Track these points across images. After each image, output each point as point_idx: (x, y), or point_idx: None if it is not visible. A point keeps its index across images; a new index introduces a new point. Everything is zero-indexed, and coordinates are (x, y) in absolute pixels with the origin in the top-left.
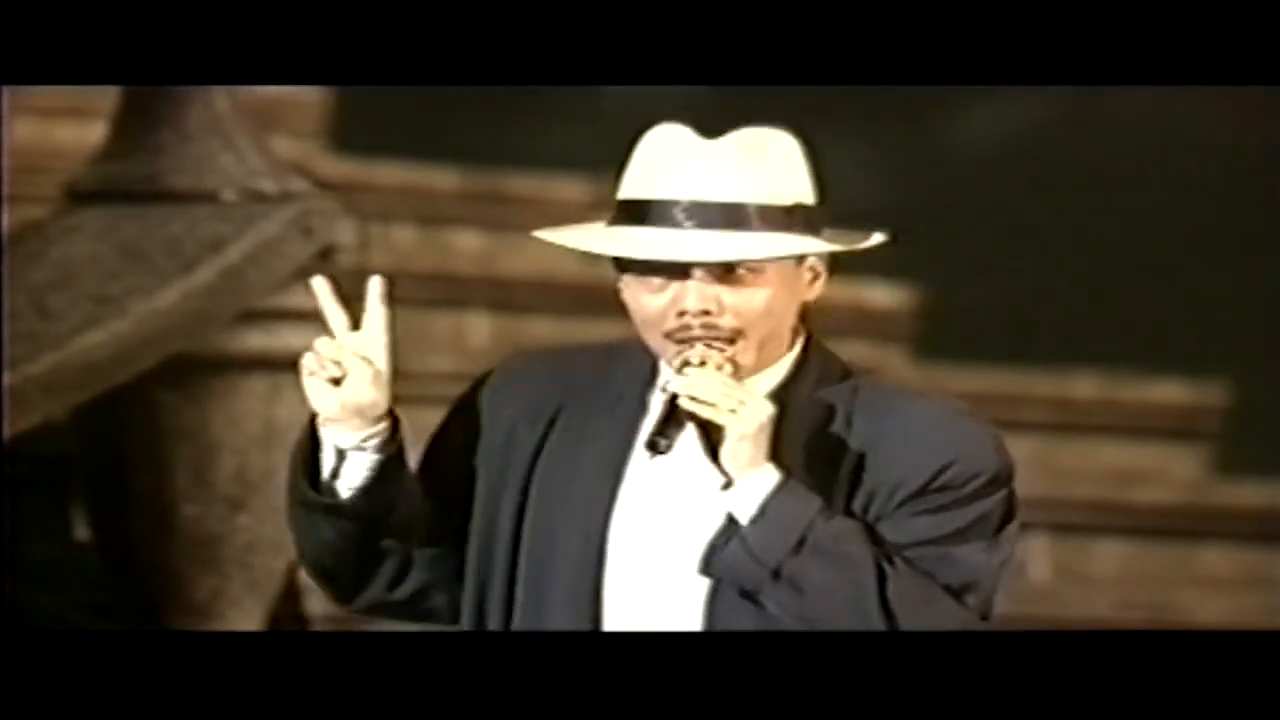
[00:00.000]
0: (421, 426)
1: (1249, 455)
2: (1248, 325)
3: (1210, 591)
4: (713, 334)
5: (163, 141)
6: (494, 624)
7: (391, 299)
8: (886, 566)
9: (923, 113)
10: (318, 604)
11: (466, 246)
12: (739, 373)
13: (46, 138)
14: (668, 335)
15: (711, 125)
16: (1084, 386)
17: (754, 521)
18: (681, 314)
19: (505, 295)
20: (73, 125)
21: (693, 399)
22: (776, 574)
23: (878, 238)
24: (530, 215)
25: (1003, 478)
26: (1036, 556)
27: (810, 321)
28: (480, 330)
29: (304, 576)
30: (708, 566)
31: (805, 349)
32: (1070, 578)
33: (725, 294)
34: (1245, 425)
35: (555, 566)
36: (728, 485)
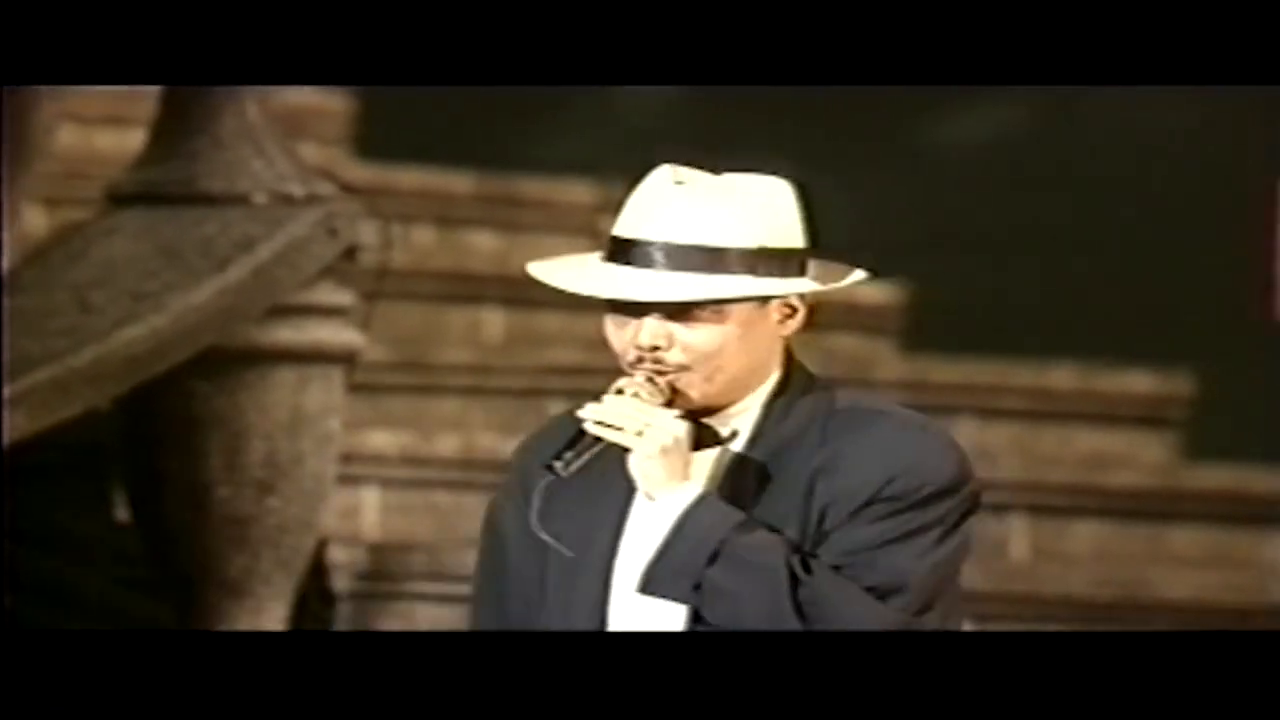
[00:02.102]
0: (440, 415)
1: (1214, 441)
2: (1212, 320)
3: (1179, 569)
4: (657, 368)
5: (198, 148)
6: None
7: (411, 295)
8: (801, 573)
9: (912, 123)
10: (344, 581)
11: (481, 246)
12: (678, 400)
13: (88, 144)
14: (630, 366)
15: (711, 137)
16: (1061, 377)
17: (672, 536)
18: (638, 347)
19: (518, 292)
20: (113, 133)
21: (599, 423)
22: (697, 586)
23: (856, 276)
24: (540, 216)
25: (951, 489)
26: (1016, 536)
27: (797, 339)
28: (494, 325)
29: (331, 554)
30: (644, 586)
31: (785, 379)
32: (1048, 556)
33: (679, 331)
34: (1210, 413)
35: (574, 601)
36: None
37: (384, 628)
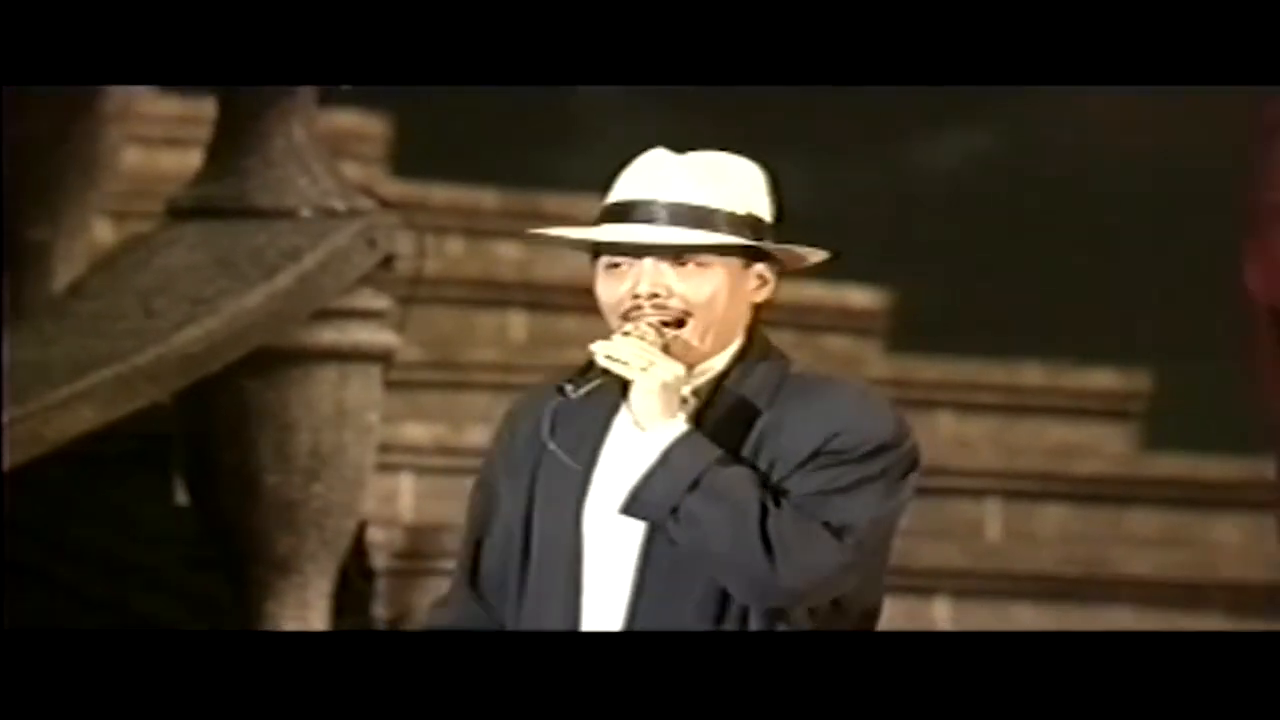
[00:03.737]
0: (469, 408)
1: (1170, 432)
2: (1169, 322)
3: (1138, 549)
4: (660, 315)
5: (250, 167)
6: (511, 593)
7: (442, 300)
8: (770, 506)
9: (895, 142)
10: (382, 559)
11: (507, 255)
12: (672, 348)
13: (151, 164)
14: (624, 316)
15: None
16: (1031, 375)
17: (658, 465)
18: (636, 296)
19: (540, 297)
20: (173, 153)
21: (609, 357)
22: (675, 510)
23: (819, 255)
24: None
25: (890, 444)
26: (991, 519)
27: (761, 318)
28: (519, 327)
29: (371, 535)
30: (627, 506)
31: (749, 341)
32: (1019, 537)
33: (675, 282)
34: (1167, 407)
35: (554, 530)
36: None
37: (418, 601)
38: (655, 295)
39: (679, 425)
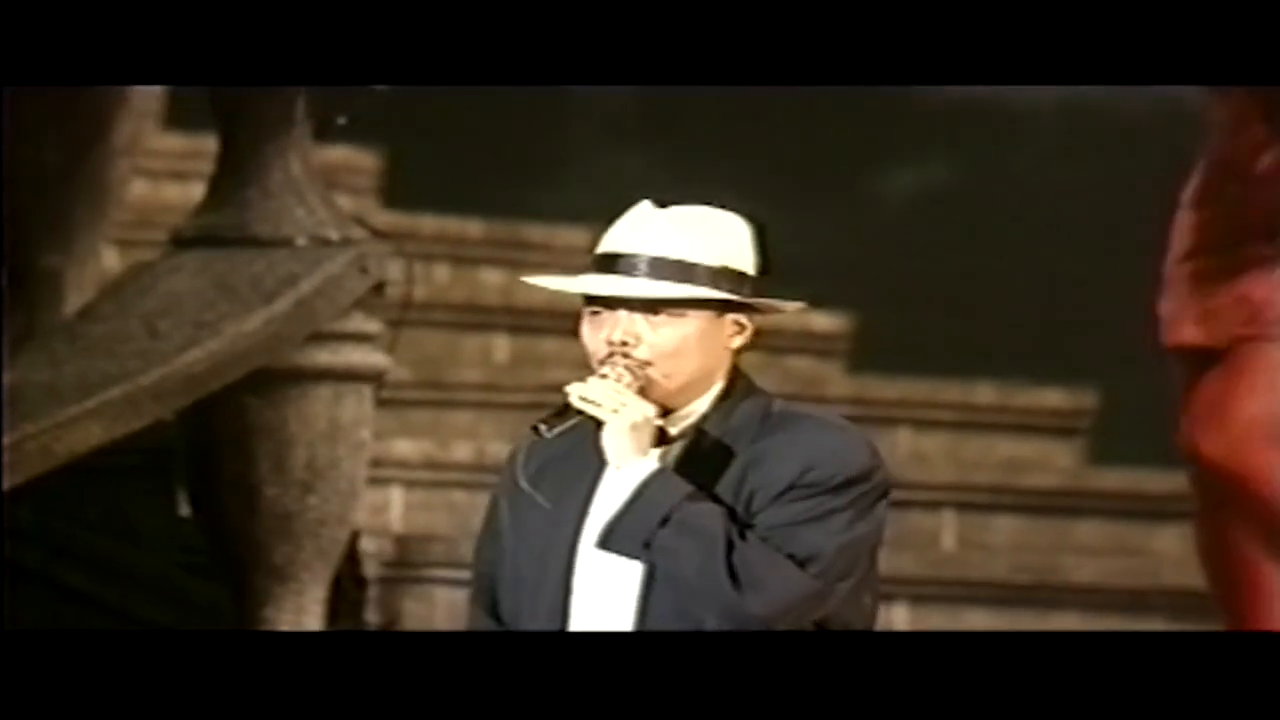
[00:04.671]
0: (455, 426)
1: (1115, 448)
2: (1113, 345)
3: (1084, 557)
4: (626, 362)
5: (249, 198)
6: (507, 607)
7: (430, 323)
8: (736, 540)
9: (857, 177)
10: (373, 568)
11: (491, 282)
12: (646, 391)
13: (156, 196)
14: (600, 362)
15: (687, 192)
16: (983, 393)
17: (630, 501)
18: (610, 343)
19: (522, 321)
20: (177, 186)
21: (582, 398)
22: (648, 544)
23: (793, 306)
24: (542, 257)
25: (861, 477)
26: (946, 529)
27: (744, 358)
28: (502, 349)
29: (363, 544)
30: (603, 541)
31: (730, 384)
32: (973, 546)
33: (645, 331)
34: (1111, 424)
35: (549, 550)
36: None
37: (407, 608)
38: (625, 343)
39: (650, 463)
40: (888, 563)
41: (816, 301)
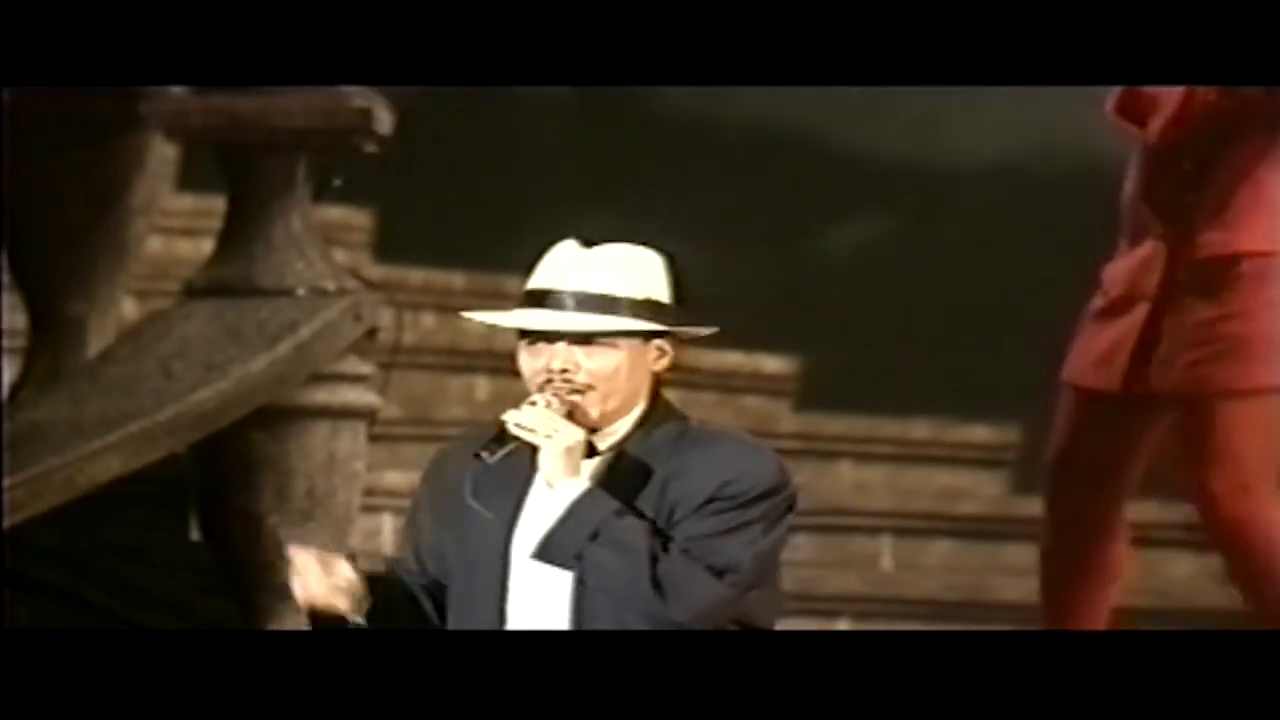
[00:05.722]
0: None
1: (1036, 478)
2: (1036, 384)
3: (1011, 578)
4: (568, 387)
5: (255, 252)
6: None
7: (418, 366)
8: (660, 553)
9: (805, 233)
10: None
11: (472, 328)
12: (576, 415)
13: (170, 251)
14: (539, 388)
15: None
16: (919, 429)
17: (564, 518)
18: (549, 370)
19: (501, 363)
20: (189, 242)
21: (518, 425)
22: (579, 557)
23: (706, 330)
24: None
25: (773, 491)
26: (885, 552)
27: (667, 381)
28: (483, 389)
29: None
30: (539, 553)
31: (651, 405)
32: (909, 568)
33: (583, 359)
34: (1033, 456)
35: (479, 571)
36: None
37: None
38: (565, 370)
39: (581, 483)
40: (833, 583)
41: (766, 346)
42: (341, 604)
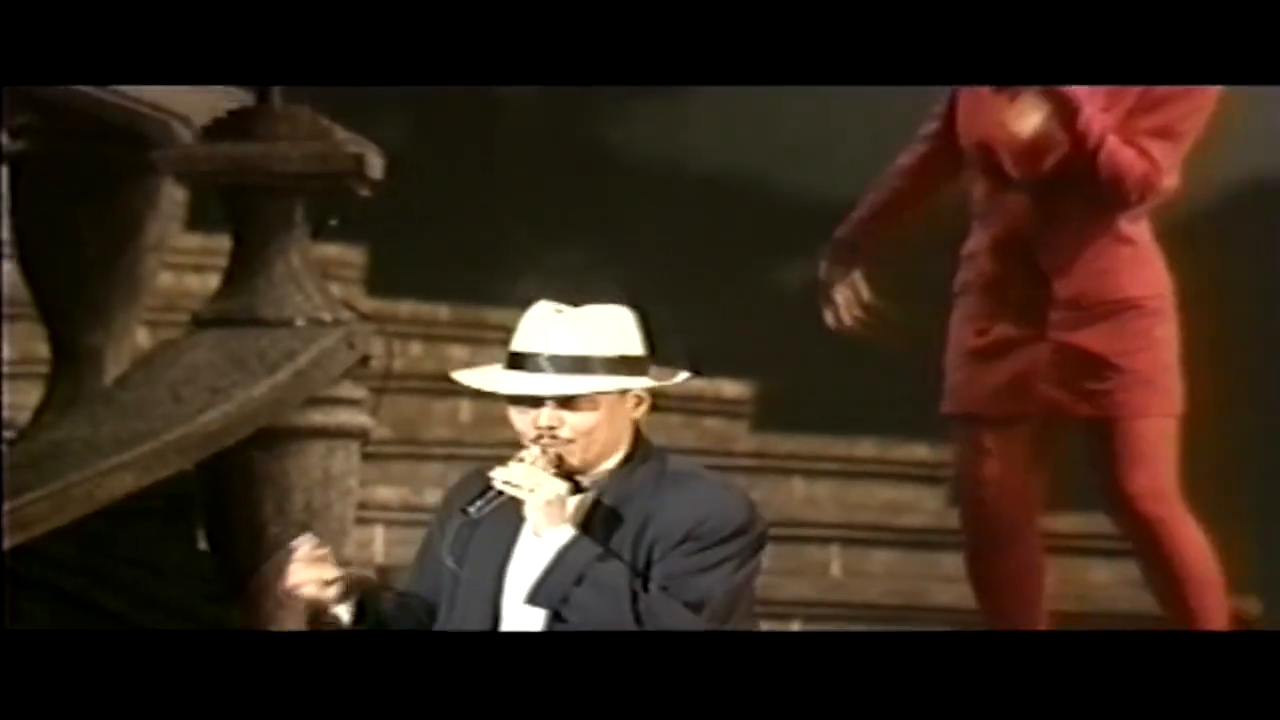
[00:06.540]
0: (427, 475)
1: None
2: None
3: (948, 584)
4: (555, 442)
5: (257, 286)
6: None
7: (407, 390)
8: (640, 592)
9: (761, 268)
10: None
11: (457, 356)
12: (563, 465)
13: (179, 285)
14: (532, 441)
15: (621, 285)
16: (865, 447)
17: (552, 565)
18: (538, 427)
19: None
20: (197, 277)
21: (505, 482)
22: (565, 600)
23: (682, 377)
24: (500, 335)
25: (744, 529)
26: (834, 560)
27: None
28: (467, 412)
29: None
30: (530, 598)
31: (633, 448)
32: (855, 575)
33: (567, 415)
34: None
35: (471, 601)
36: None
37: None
38: (552, 427)
39: (566, 531)
40: (787, 589)
41: (725, 372)
42: (326, 594)
